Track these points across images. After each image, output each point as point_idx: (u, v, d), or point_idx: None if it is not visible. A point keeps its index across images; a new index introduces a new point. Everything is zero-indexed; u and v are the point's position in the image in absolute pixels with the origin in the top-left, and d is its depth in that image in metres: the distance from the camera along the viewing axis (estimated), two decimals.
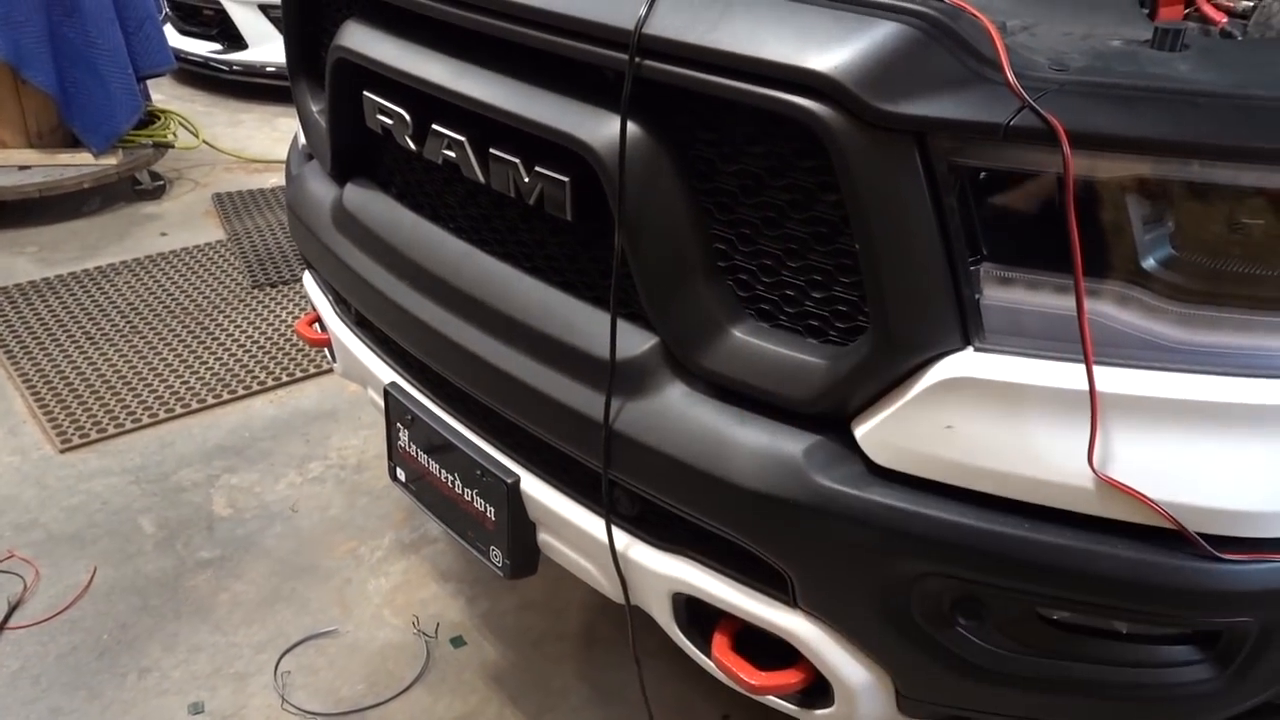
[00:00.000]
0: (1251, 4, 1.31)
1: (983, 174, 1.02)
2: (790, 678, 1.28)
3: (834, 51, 0.99)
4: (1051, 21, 1.16)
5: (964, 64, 0.98)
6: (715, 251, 1.20)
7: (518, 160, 1.30)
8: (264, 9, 5.31)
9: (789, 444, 1.16)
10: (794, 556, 1.19)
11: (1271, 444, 1.03)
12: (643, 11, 1.10)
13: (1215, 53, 1.09)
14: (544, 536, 1.49)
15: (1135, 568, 1.06)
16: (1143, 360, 1.04)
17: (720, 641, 1.33)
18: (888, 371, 1.08)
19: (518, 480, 1.44)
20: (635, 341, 1.26)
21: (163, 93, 5.32)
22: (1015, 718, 1.28)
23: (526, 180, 1.29)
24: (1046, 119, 0.94)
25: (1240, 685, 1.15)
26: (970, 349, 1.07)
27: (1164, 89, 0.97)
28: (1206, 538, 1.04)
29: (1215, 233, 1.01)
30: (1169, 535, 1.05)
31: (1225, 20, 1.29)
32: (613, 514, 1.33)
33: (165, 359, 3.10)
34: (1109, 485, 1.03)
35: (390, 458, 1.73)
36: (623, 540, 1.35)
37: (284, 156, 2.12)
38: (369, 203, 1.69)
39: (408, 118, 1.47)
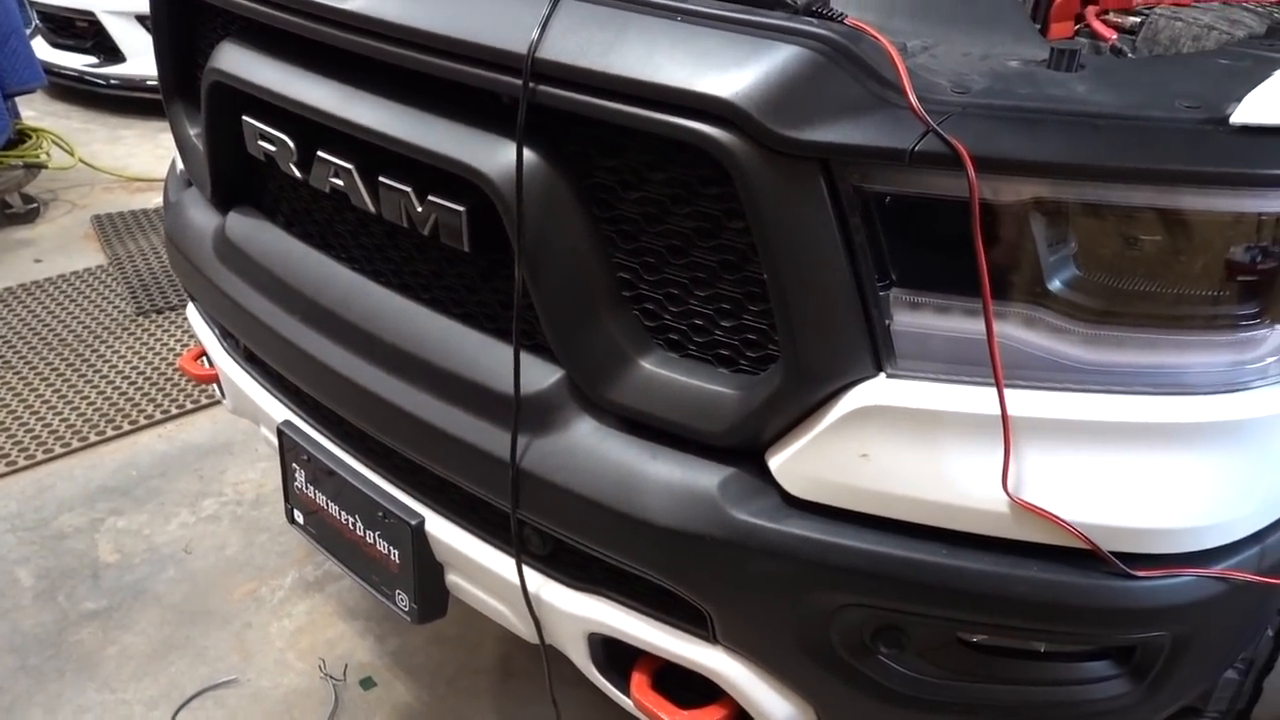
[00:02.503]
0: (1138, 20, 1.33)
1: (889, 198, 1.00)
2: (712, 715, 1.25)
3: (734, 76, 0.96)
4: (950, 41, 1.15)
5: (866, 88, 0.96)
6: (620, 281, 1.16)
7: (410, 189, 1.24)
8: (141, 20, 5.07)
9: (703, 478, 1.12)
10: (712, 593, 1.15)
11: (1178, 461, 1.04)
12: (535, 35, 1.06)
13: (1110, 72, 1.09)
14: (452, 578, 1.43)
15: (1051, 589, 1.06)
16: (1052, 382, 1.04)
17: (639, 681, 1.29)
18: (800, 401, 1.06)
19: (422, 521, 1.38)
20: (540, 375, 1.21)
21: (34, 109, 5.05)
22: None
23: (419, 210, 1.23)
24: (951, 143, 0.92)
25: (1155, 696, 1.15)
26: (882, 375, 1.05)
27: (1064, 111, 0.97)
28: (1120, 556, 1.04)
29: (1117, 253, 1.01)
30: (1084, 555, 1.05)
31: (1115, 37, 1.31)
32: (523, 554, 1.28)
33: (42, 395, 2.92)
34: (1023, 508, 1.03)
35: (287, 500, 1.64)
36: (535, 581, 1.30)
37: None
38: (254, 232, 1.60)
39: (291, 144, 1.40)
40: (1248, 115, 0.94)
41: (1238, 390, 1.04)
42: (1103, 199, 0.97)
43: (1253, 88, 0.98)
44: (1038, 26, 1.37)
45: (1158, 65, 1.17)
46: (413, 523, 1.38)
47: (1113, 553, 1.04)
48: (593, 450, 1.17)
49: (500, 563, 1.32)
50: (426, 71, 1.17)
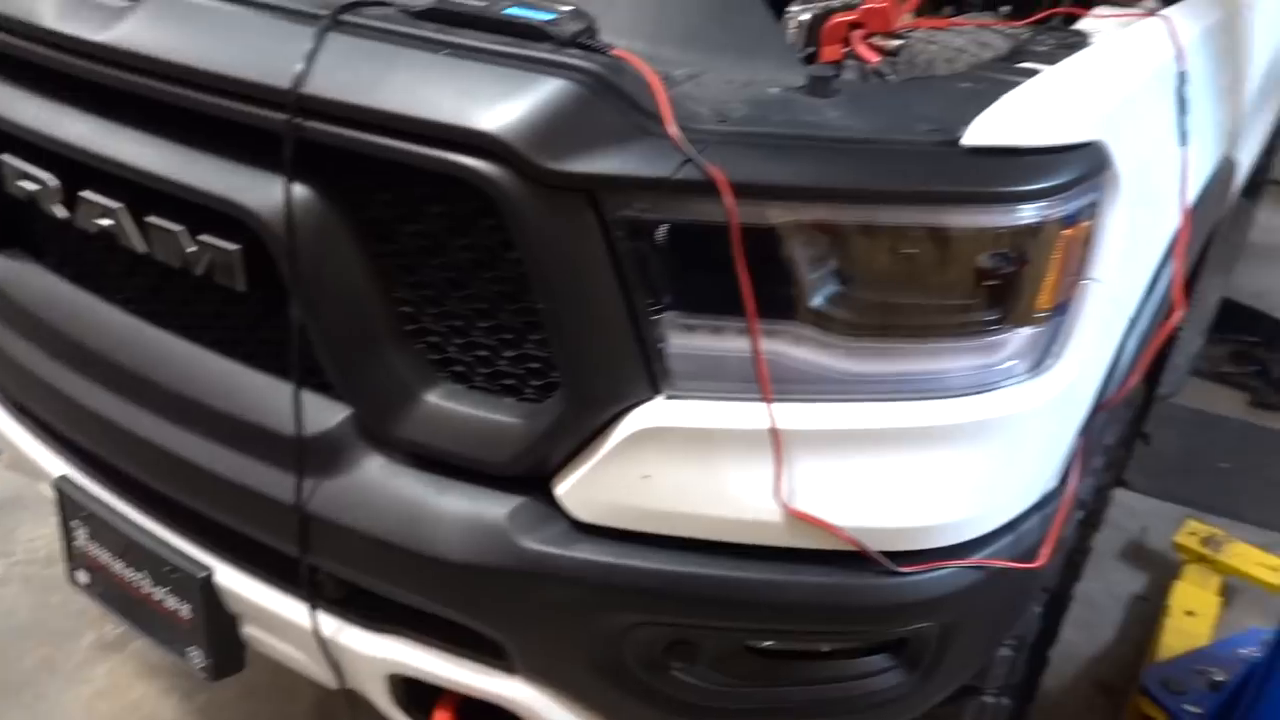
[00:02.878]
0: (899, 43, 1.41)
1: (656, 225, 1.03)
2: None
3: (499, 110, 0.97)
4: (716, 69, 1.19)
5: (628, 119, 0.99)
6: (402, 315, 1.15)
7: (181, 228, 1.19)
8: None
9: (492, 509, 1.13)
10: (507, 624, 1.16)
11: (936, 461, 1.11)
12: (299, 69, 1.04)
13: (862, 97, 1.16)
14: (248, 630, 1.38)
15: (827, 591, 1.11)
16: (819, 394, 1.09)
17: (442, 718, 1.27)
18: (581, 427, 1.08)
19: (211, 573, 1.32)
20: (326, 415, 1.19)
21: None
22: None
23: (192, 250, 1.19)
24: (708, 171, 0.96)
25: (930, 683, 1.23)
26: (660, 398, 1.08)
27: (816, 136, 1.02)
28: (887, 554, 1.11)
29: (873, 269, 1.07)
30: (855, 556, 1.10)
31: (878, 60, 1.39)
32: (317, 599, 1.25)
33: None
34: (796, 517, 1.08)
35: (68, 559, 1.54)
36: (331, 625, 1.26)
37: None
38: (19, 275, 1.51)
39: (54, 183, 1.32)
40: (976, 137, 1.02)
41: (986, 391, 1.12)
42: (854, 219, 1.04)
43: (983, 109, 1.06)
44: (811, 49, 1.45)
45: (906, 89, 1.25)
46: (201, 575, 1.32)
47: (880, 552, 1.10)
48: (382, 488, 1.16)
49: (294, 610, 1.27)
50: (190, 107, 1.13)
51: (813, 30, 1.46)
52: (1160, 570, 2.65)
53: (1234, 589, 2.60)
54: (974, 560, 1.16)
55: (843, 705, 1.22)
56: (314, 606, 1.23)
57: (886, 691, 1.22)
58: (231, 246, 1.16)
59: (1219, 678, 1.99)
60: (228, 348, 1.29)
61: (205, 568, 1.33)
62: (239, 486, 1.22)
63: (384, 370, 1.13)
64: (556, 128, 0.97)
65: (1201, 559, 2.56)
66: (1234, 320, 3.88)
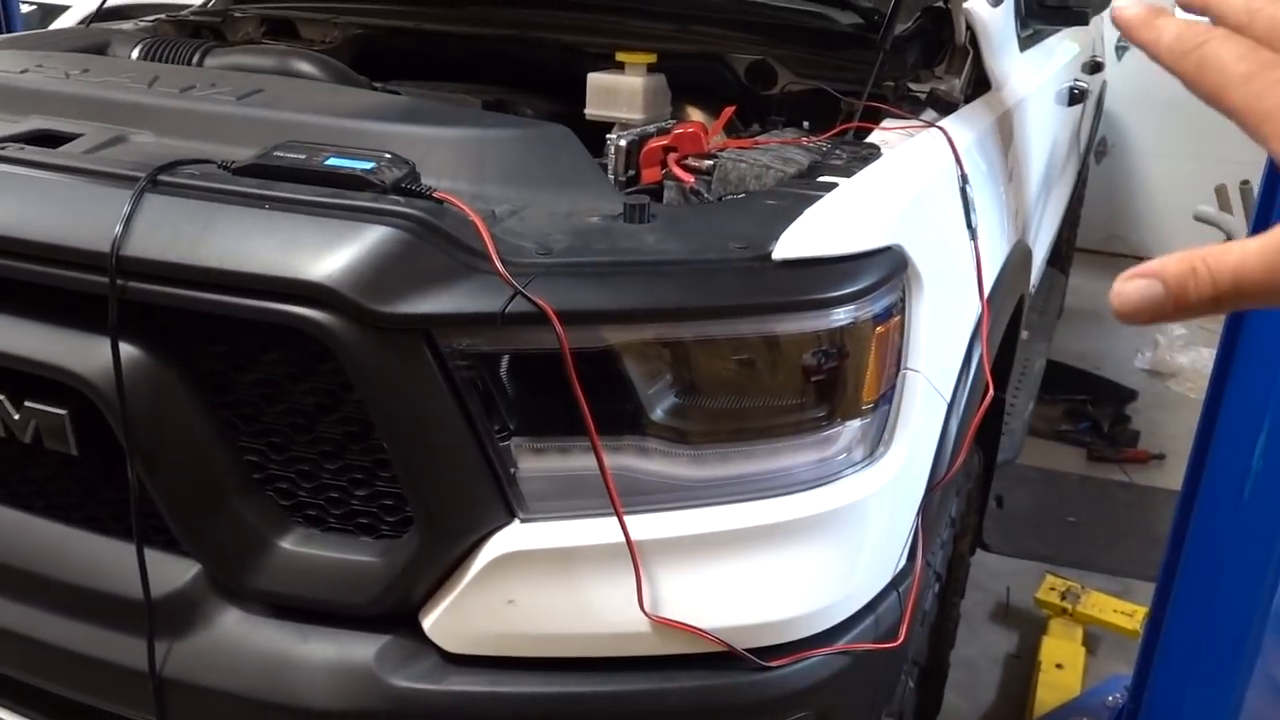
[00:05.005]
0: (711, 163, 1.50)
1: (493, 357, 1.06)
2: None
3: (326, 260, 1.00)
4: (539, 202, 1.25)
5: (455, 258, 1.03)
6: (247, 464, 1.14)
7: (3, 397, 1.16)
8: None
9: (359, 650, 1.11)
10: None
11: (789, 555, 1.16)
12: (118, 231, 1.04)
13: (676, 220, 1.22)
14: None
15: (702, 694, 1.13)
16: (669, 502, 1.13)
17: None
18: (440, 559, 1.08)
19: None
20: (175, 573, 1.15)
21: None
22: None
23: (17, 417, 1.15)
24: (536, 303, 1.00)
25: None
26: (516, 522, 1.10)
27: (635, 261, 1.08)
28: (755, 651, 1.14)
29: (705, 380, 1.13)
30: (725, 657, 1.13)
31: (693, 180, 1.47)
32: None
33: None
34: (663, 624, 1.10)
35: None
36: None
37: None
38: None
39: None
40: (785, 250, 1.10)
41: (827, 483, 1.18)
42: (680, 335, 1.09)
43: (789, 224, 1.14)
44: (631, 173, 1.52)
45: (718, 210, 1.33)
46: None
47: (748, 649, 1.13)
48: (240, 643, 1.13)
49: None
50: (9, 275, 1.11)
51: (630, 155, 1.54)
52: (1029, 627, 2.76)
53: (1096, 637, 2.73)
54: (839, 646, 1.20)
55: None
56: None
57: None
58: (60, 411, 1.13)
59: None
60: (65, 513, 1.25)
61: None
62: (83, 659, 1.16)
63: (232, 522, 1.11)
64: (384, 272, 1.00)
65: (1063, 612, 2.68)
66: (1063, 381, 4.15)
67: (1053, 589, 2.74)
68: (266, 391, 1.11)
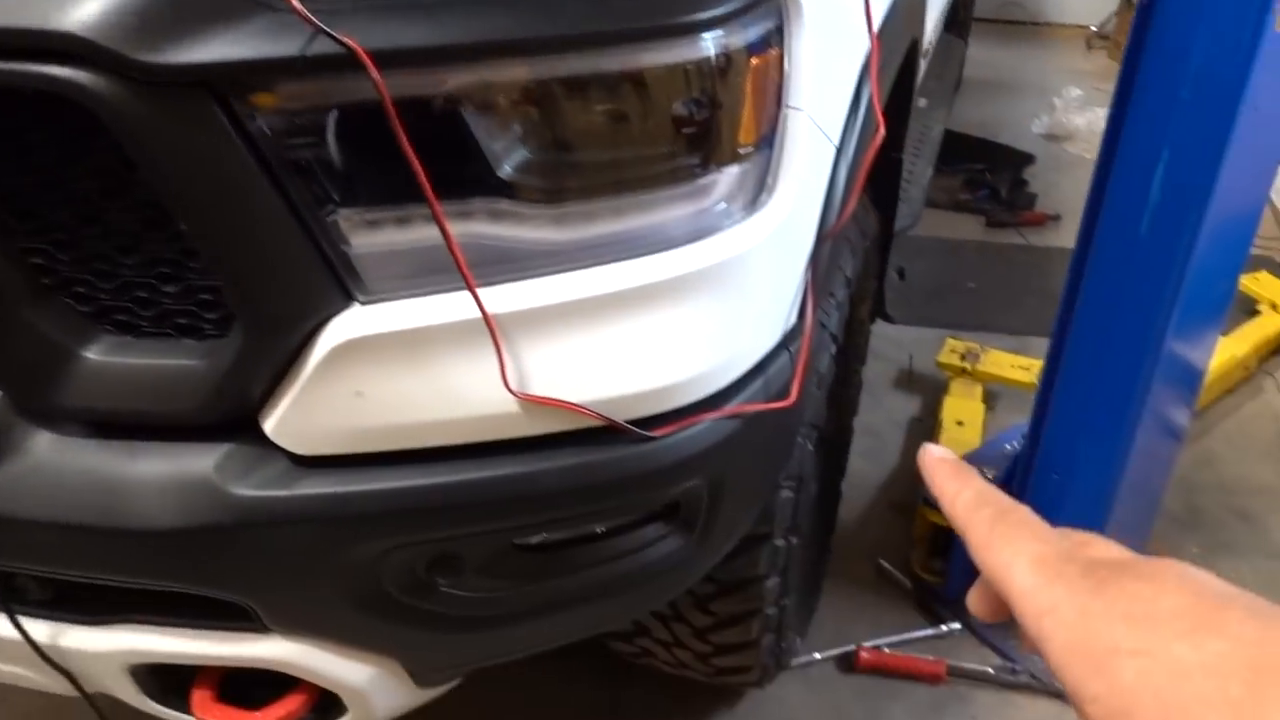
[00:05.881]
0: None
1: (304, 113, 0.90)
2: (292, 704, 1.15)
3: (73, 2, 0.81)
4: None
5: None
6: (35, 268, 0.98)
7: None
8: None
9: (196, 463, 1.00)
10: (241, 582, 1.04)
11: (667, 317, 1.06)
12: None
13: None
14: None
15: (582, 472, 1.06)
16: (531, 270, 1.01)
17: (202, 697, 1.16)
18: (271, 354, 0.96)
19: None
20: None
21: None
22: (536, 647, 1.27)
23: None
24: (343, 43, 0.84)
25: (709, 540, 1.21)
26: (356, 305, 0.97)
27: None
28: (637, 422, 1.06)
29: (554, 128, 0.99)
30: (605, 431, 1.05)
31: None
32: (20, 606, 1.09)
33: None
34: (532, 402, 1.01)
35: None
36: (47, 631, 1.11)
37: None
38: None
39: None
40: None
41: (705, 237, 1.07)
42: (520, 76, 0.94)
43: None
44: None
45: None
46: None
47: (629, 420, 1.06)
48: (58, 468, 1.00)
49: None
50: None
51: None
52: (931, 390, 2.80)
53: (996, 394, 2.78)
54: (727, 410, 1.13)
55: (626, 582, 1.19)
56: (12, 615, 1.08)
57: (667, 559, 1.19)
58: None
59: (990, 475, 2.11)
60: None
61: None
62: None
63: (24, 335, 0.97)
64: (148, 13, 0.82)
65: (963, 372, 2.71)
66: (962, 151, 4.10)
67: (953, 351, 2.76)
68: (39, 177, 0.94)
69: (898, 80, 1.94)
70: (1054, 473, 1.91)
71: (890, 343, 3.05)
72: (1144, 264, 1.63)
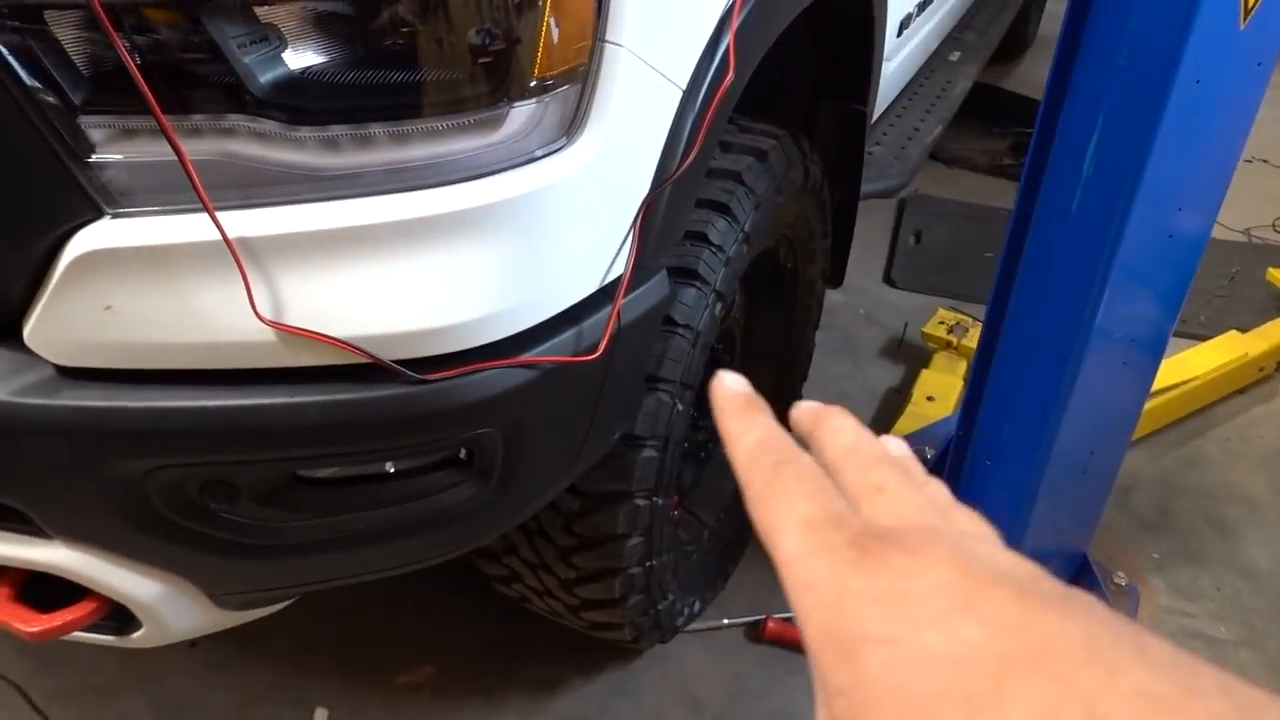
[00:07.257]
0: None
1: (29, 10, 0.88)
2: (81, 611, 1.17)
3: None
4: None
5: None
6: None
7: None
8: None
9: None
10: (13, 487, 1.05)
11: (444, 256, 1.02)
12: None
13: None
14: None
15: (346, 409, 1.03)
16: (290, 195, 0.98)
17: None
18: (18, 260, 0.95)
19: None
20: None
21: None
22: (341, 578, 1.26)
23: None
24: None
25: (511, 490, 1.17)
26: (107, 218, 0.96)
27: None
28: (408, 363, 1.02)
29: (328, 41, 0.95)
30: (373, 369, 1.02)
31: None
32: None
33: None
34: (287, 333, 0.98)
35: None
36: None
37: None
38: None
39: None
40: None
41: (490, 174, 1.02)
42: None
43: None
44: None
45: None
46: None
47: (400, 360, 1.02)
48: None
49: None
50: None
51: None
52: (918, 363, 2.68)
53: None
54: (524, 359, 1.09)
55: (420, 524, 1.17)
56: None
57: (464, 504, 1.16)
58: None
59: (929, 454, 2.01)
60: None
61: None
62: None
63: None
64: None
65: (948, 345, 2.58)
66: (1013, 112, 3.87)
67: (942, 323, 2.64)
68: None
69: (855, 29, 1.82)
70: (986, 458, 1.81)
71: (891, 309, 2.93)
72: (1074, 242, 1.51)
